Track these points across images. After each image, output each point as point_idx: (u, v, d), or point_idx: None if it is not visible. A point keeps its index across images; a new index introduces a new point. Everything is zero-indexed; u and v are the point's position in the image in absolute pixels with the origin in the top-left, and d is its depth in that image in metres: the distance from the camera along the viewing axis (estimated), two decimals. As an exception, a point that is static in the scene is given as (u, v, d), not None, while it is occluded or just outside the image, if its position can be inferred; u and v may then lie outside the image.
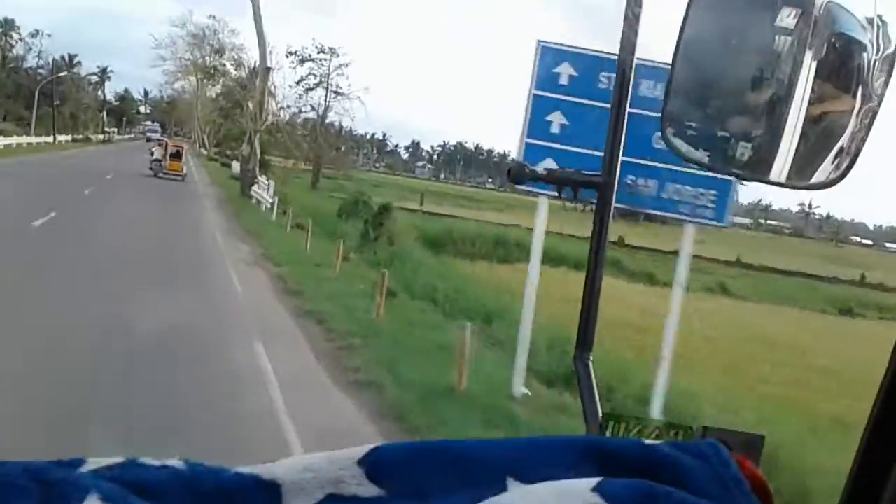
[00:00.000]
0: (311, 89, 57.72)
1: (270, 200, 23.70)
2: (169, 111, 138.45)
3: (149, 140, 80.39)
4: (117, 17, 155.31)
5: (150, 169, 35.23)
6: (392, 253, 20.21)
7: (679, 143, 0.98)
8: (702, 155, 1.00)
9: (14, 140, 42.10)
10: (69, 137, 61.99)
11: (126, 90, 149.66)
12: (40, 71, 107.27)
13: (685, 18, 0.91)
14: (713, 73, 0.97)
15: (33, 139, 47.85)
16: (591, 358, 0.96)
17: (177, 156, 36.87)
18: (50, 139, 52.82)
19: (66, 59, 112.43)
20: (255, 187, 28.97)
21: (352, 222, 27.20)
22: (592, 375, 0.94)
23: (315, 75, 56.91)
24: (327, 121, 58.95)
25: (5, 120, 74.59)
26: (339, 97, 57.77)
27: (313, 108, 57.31)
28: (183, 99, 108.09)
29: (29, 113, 75.41)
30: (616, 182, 1.00)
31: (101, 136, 78.45)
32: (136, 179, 31.89)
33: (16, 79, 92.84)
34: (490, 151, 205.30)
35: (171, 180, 34.25)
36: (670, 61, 0.93)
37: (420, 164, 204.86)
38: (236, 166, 51.55)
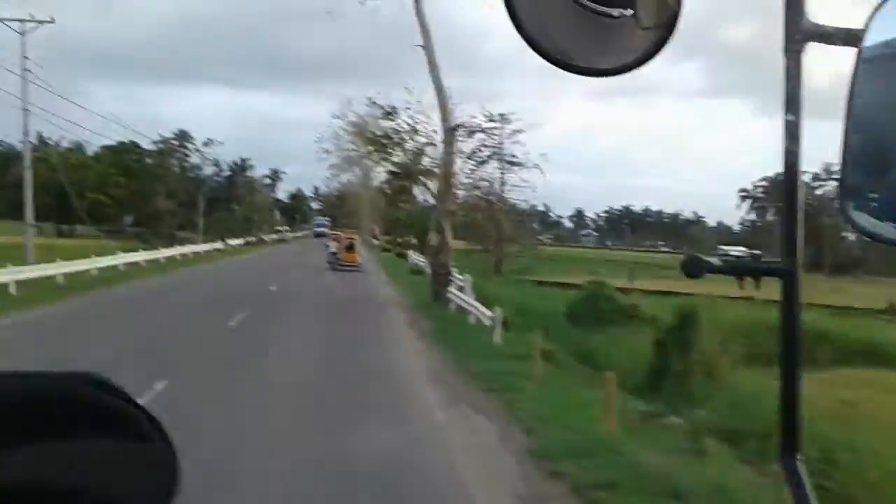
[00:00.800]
0: (484, 162, 51.21)
1: (489, 315, 15.42)
2: (338, 204, 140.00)
3: (317, 236, 77.14)
4: (287, 124, 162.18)
5: (328, 262, 36.39)
6: (721, 399, 11.22)
7: (861, 218, 0.91)
8: (890, 229, 0.90)
9: (177, 251, 37.93)
10: (241, 241, 59.20)
11: (298, 189, 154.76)
12: (216, 178, 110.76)
13: (853, 81, 0.85)
14: (894, 136, 0.90)
15: (200, 247, 44.13)
16: (801, 458, 0.90)
17: (351, 248, 37.62)
18: (220, 245, 49.34)
19: (239, 164, 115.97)
20: (452, 288, 21.14)
21: (597, 330, 18.65)
22: (805, 477, 0.88)
23: (486, 146, 50.50)
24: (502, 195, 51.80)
25: (182, 228, 74.72)
26: (513, 168, 50.72)
27: (489, 183, 50.54)
28: (350, 191, 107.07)
29: (205, 220, 74.76)
30: (800, 268, 0.93)
31: (274, 236, 76.62)
32: (311, 286, 25.52)
33: (189, 187, 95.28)
34: (660, 213, 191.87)
35: (349, 272, 34.05)
36: (842, 128, 0.88)
37: (584, 232, 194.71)
38: (414, 257, 45.22)
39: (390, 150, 22.89)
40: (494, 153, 51.35)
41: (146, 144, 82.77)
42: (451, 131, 22.04)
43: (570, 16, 1.07)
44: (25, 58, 27.39)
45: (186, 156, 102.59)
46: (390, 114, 22.04)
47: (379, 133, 24.06)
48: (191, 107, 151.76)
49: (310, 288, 25.20)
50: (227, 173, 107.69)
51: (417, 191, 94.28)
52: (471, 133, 49.93)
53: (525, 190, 47.31)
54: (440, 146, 23.05)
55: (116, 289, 22.76)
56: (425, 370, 11.93)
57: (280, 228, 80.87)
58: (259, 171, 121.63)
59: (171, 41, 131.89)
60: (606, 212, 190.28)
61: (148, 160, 76.60)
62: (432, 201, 29.25)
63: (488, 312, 15.42)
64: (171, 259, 35.45)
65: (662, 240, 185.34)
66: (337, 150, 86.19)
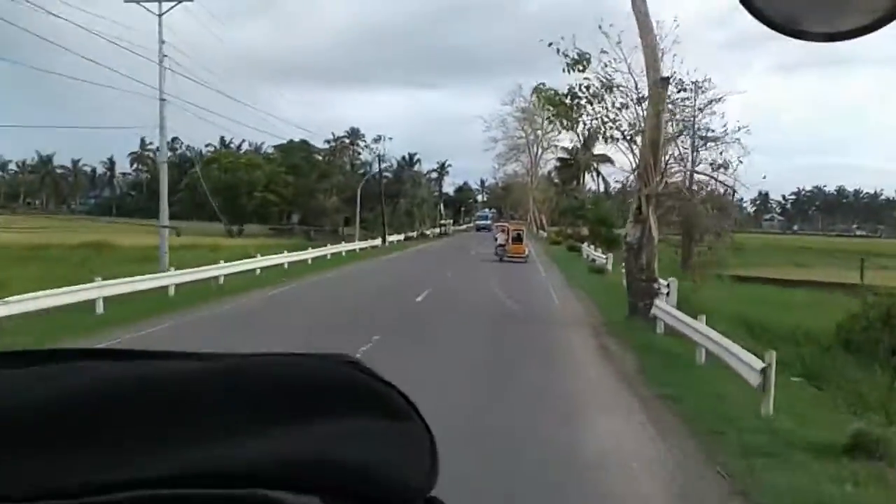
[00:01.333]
0: (674, 138, 43.35)
1: (740, 356, 9.20)
2: (504, 196, 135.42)
3: (478, 230, 72.57)
4: (456, 119, 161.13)
5: (496, 254, 35.67)
6: None
7: None
8: None
9: (328, 250, 34.58)
10: (401, 237, 55.94)
11: (465, 183, 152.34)
12: (386, 174, 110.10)
13: None
14: None
15: (356, 245, 40.90)
16: None
17: (518, 239, 36.87)
18: (377, 242, 46.01)
19: (407, 158, 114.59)
20: (661, 302, 15.02)
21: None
22: None
23: (676, 121, 42.70)
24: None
25: (348, 224, 73.48)
26: (708, 145, 42.57)
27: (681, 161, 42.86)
28: (516, 182, 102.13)
29: (373, 216, 72.92)
30: None
31: (437, 230, 73.22)
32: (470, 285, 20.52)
33: (355, 183, 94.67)
34: (857, 193, 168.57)
35: (516, 262, 33.30)
36: None
37: (768, 217, 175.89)
38: (589, 252, 39.08)
39: (577, 113, 16.56)
40: (685, 127, 43.95)
41: (321, 144, 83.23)
42: (663, 83, 15.87)
43: None
44: (162, 41, 24.69)
45: (357, 153, 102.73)
46: (578, 62, 16.00)
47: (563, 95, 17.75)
48: (367, 108, 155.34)
49: (467, 296, 20.13)
50: (395, 168, 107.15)
51: (589, 178, 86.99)
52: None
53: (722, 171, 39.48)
54: (633, 108, 16.90)
55: (239, 300, 19.06)
56: (655, 484, 6.29)
57: (443, 222, 77.45)
58: (427, 165, 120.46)
59: (348, 48, 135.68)
60: (794, 194, 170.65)
61: (317, 157, 76.13)
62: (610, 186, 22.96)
63: (743, 354, 9.25)
64: (319, 258, 32.04)
65: (858, 223, 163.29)
66: (504, 139, 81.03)
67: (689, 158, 44.90)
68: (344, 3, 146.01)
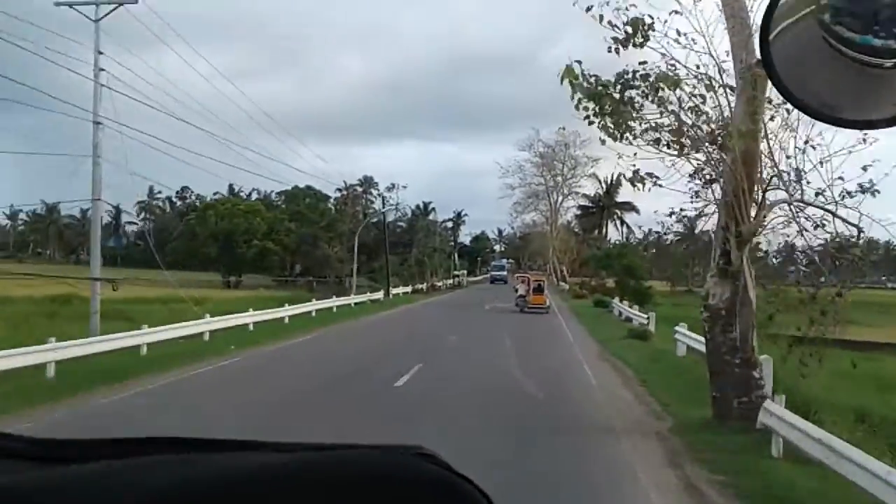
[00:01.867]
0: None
1: None
2: (522, 246, 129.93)
3: (493, 281, 66.79)
4: (473, 172, 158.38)
5: (516, 304, 34.99)
6: None
7: None
8: None
9: (320, 304, 29.22)
10: (408, 289, 50.45)
11: (482, 232, 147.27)
12: (400, 224, 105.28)
13: None
14: None
15: (352, 298, 35.36)
16: None
17: (539, 290, 35.76)
18: (379, 294, 40.43)
19: (422, 207, 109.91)
20: (773, 406, 9.23)
21: None
22: None
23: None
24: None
25: (359, 274, 68.36)
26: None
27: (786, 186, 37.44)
28: (534, 232, 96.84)
29: (380, 266, 67.72)
30: None
31: (449, 281, 67.56)
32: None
33: (366, 232, 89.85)
34: (889, 243, 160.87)
35: (536, 322, 29.31)
36: None
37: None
38: (622, 308, 33.33)
39: (627, 111, 10.47)
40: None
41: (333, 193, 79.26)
42: (759, 65, 10.34)
43: (835, 70, 1.00)
44: (99, 52, 19.90)
45: (371, 202, 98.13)
46: (633, 34, 10.23)
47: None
48: (383, 161, 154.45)
49: (470, 374, 14.49)
50: (409, 217, 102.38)
51: (612, 227, 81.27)
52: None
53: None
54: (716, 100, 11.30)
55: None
56: None
57: (457, 273, 71.82)
58: (443, 216, 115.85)
59: (365, 103, 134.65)
60: (821, 246, 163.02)
61: (325, 205, 71.39)
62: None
63: None
64: (299, 316, 26.60)
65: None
66: (521, 186, 75.93)
67: (792, 183, 38.79)
68: (361, 59, 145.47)
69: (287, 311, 26.02)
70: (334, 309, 31.06)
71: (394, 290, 45.72)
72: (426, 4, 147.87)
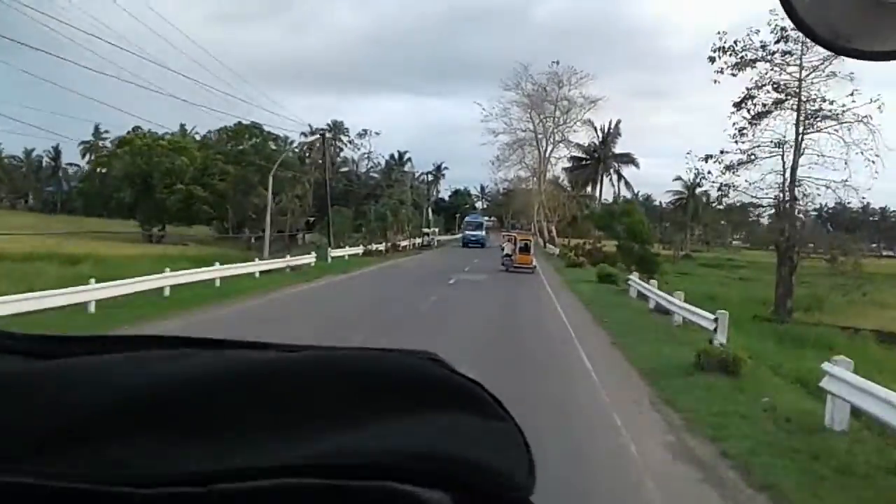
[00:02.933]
0: (767, 114, 27.49)
1: None
2: (505, 203, 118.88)
3: (466, 244, 55.81)
4: (462, 128, 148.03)
5: (502, 264, 33.77)
6: None
7: None
8: None
9: (228, 270, 19.00)
10: (359, 250, 39.71)
11: (464, 189, 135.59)
12: (373, 175, 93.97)
13: None
14: None
15: (258, 265, 24.49)
16: None
17: (525, 249, 34.75)
18: (305, 260, 29.60)
19: (396, 157, 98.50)
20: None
21: None
22: None
23: (771, 86, 26.70)
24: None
25: (311, 229, 57.74)
26: (822, 123, 26.49)
27: (779, 147, 26.78)
28: (519, 189, 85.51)
29: (340, 220, 57.35)
30: None
31: (418, 240, 56.89)
32: None
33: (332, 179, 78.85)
34: (885, 209, 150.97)
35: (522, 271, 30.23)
36: None
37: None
38: (640, 286, 22.99)
39: None
40: (787, 97, 27.51)
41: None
42: None
43: None
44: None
45: (339, 149, 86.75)
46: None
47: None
48: (370, 114, 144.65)
49: None
50: (382, 168, 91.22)
51: (607, 182, 70.26)
52: (740, 65, 26.81)
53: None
54: None
55: None
56: None
57: (426, 231, 61.03)
58: (422, 168, 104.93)
59: (357, 55, 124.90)
60: (815, 210, 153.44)
61: (273, 147, 59.98)
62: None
63: None
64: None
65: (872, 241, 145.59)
66: (506, 132, 64.65)
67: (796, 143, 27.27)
68: (352, 9, 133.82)
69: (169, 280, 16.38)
70: (217, 282, 20.39)
71: (338, 252, 35.03)
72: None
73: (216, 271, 20.36)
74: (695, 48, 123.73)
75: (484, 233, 59.52)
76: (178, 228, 52.02)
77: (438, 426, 0.43)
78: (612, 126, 67.01)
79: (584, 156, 68.04)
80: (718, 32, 26.21)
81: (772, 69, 26.09)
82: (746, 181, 27.61)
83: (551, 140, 62.15)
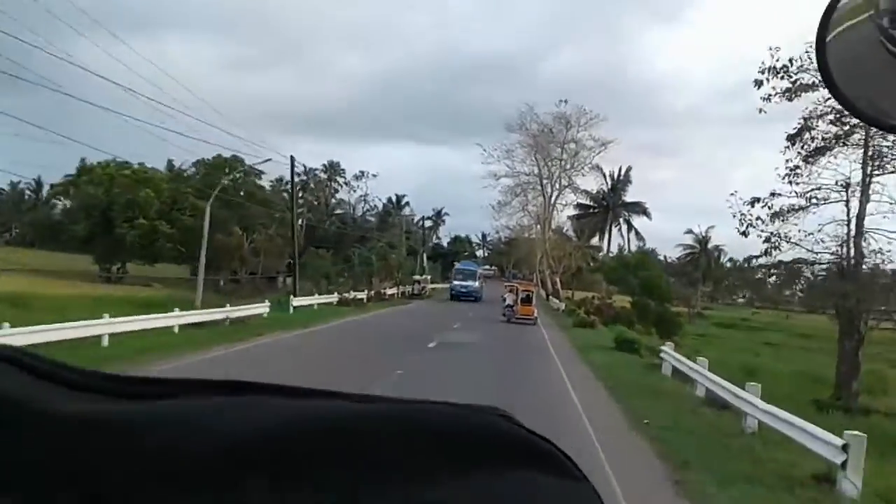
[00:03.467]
0: (826, 149, 22.35)
1: None
2: (507, 252, 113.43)
3: (455, 296, 49.15)
4: (467, 178, 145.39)
5: (503, 315, 32.86)
6: None
7: None
8: None
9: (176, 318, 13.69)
10: (333, 298, 34.12)
11: (466, 236, 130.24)
12: (370, 218, 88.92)
13: None
14: None
15: (179, 317, 18.96)
16: None
17: (527, 300, 33.34)
18: (257, 310, 24.05)
19: (394, 200, 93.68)
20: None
21: None
22: None
23: (834, 115, 21.38)
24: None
25: (292, 271, 52.34)
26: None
27: (842, 190, 21.37)
28: (522, 237, 80.00)
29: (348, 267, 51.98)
30: None
31: (410, 289, 51.24)
32: None
33: (331, 229, 73.81)
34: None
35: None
36: None
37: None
38: (679, 363, 17.08)
39: None
40: (853, 130, 22.04)
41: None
42: None
43: (891, 75, 0.97)
44: None
45: (335, 190, 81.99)
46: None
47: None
48: (375, 161, 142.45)
49: None
50: (379, 212, 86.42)
51: (616, 232, 64.89)
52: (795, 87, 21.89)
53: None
54: None
55: None
56: None
57: (417, 278, 55.49)
58: (423, 214, 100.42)
59: (362, 102, 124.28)
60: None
61: (257, 181, 55.05)
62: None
63: None
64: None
65: None
66: (509, 175, 59.57)
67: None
68: (362, 58, 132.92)
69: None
70: (105, 340, 14.89)
71: (305, 301, 29.56)
72: (428, 8, 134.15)
73: (101, 325, 14.89)
74: (699, 104, 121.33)
75: (478, 283, 50.34)
76: (142, 267, 46.66)
77: (516, 485, 0.42)
78: (623, 173, 62.12)
79: (591, 203, 62.99)
80: (770, 48, 21.20)
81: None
82: (801, 230, 22.27)
83: (557, 185, 57.11)
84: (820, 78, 0.92)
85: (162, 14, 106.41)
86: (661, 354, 17.76)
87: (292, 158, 32.13)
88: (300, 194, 77.59)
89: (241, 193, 53.68)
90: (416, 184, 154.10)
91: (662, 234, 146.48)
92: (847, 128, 21.68)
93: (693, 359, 17.33)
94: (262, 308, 23.69)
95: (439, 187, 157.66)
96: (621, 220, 62.68)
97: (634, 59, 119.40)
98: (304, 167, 78.07)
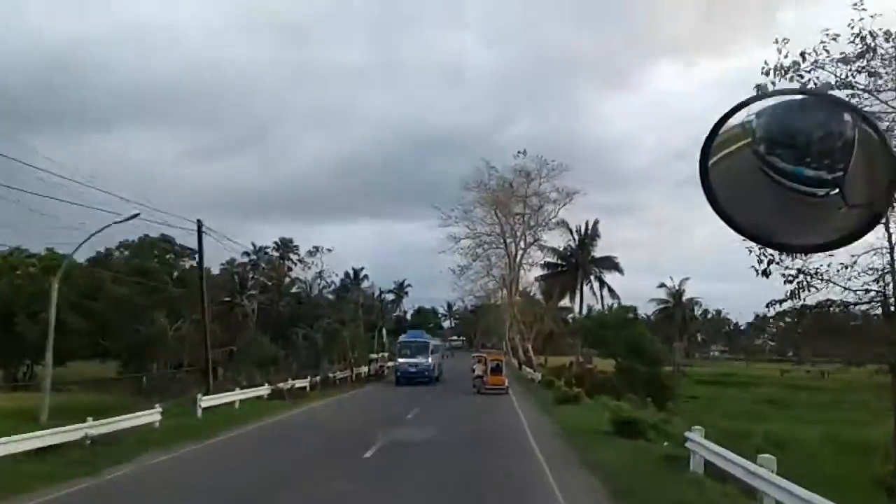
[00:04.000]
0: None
1: None
2: (474, 320, 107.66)
3: (402, 380, 40.50)
4: (427, 251, 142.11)
5: (473, 385, 32.22)
6: None
7: None
8: None
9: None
10: (265, 391, 28.11)
11: (432, 308, 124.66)
12: (328, 295, 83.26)
13: None
14: None
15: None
16: None
17: (497, 370, 32.51)
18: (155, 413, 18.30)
19: (351, 275, 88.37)
20: None
21: None
22: None
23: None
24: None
25: (231, 361, 46.07)
26: None
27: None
28: (488, 304, 74.21)
29: (274, 351, 46.27)
30: None
31: (365, 369, 45.28)
32: None
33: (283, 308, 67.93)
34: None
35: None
36: None
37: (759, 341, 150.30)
38: (714, 454, 11.56)
39: None
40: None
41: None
42: None
43: (771, 197, 1.02)
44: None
45: (289, 268, 76.30)
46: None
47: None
48: (340, 239, 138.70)
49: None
50: (337, 288, 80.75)
51: (587, 290, 60.12)
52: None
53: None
54: None
55: None
56: None
57: (374, 356, 49.73)
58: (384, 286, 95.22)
59: (322, 182, 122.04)
60: (795, 309, 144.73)
61: (186, 262, 49.45)
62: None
63: None
64: None
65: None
66: (470, 237, 54.27)
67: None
68: (319, 140, 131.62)
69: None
70: None
71: (227, 397, 23.76)
72: (387, 89, 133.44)
73: None
74: (654, 162, 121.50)
75: (431, 360, 38.50)
76: (58, 369, 40.11)
77: None
78: (590, 227, 57.99)
79: (559, 262, 58.40)
80: (776, 40, 16.96)
81: (852, 96, 16.73)
82: (830, 264, 17.61)
83: (521, 244, 52.54)
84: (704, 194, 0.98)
85: (123, 108, 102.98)
86: (688, 444, 12.55)
87: (199, 223, 26.75)
88: (251, 275, 71.87)
89: (174, 276, 48.01)
90: (378, 260, 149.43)
91: (631, 292, 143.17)
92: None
93: (712, 436, 12.37)
94: (149, 416, 17.89)
95: (401, 262, 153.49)
96: (592, 277, 57.96)
97: (591, 124, 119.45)
98: (254, 246, 72.58)
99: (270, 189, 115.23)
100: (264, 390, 26.66)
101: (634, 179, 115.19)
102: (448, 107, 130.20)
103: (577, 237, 57.41)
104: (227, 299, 64.80)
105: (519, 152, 49.41)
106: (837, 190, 0.98)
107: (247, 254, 69.80)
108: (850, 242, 0.99)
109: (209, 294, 55.57)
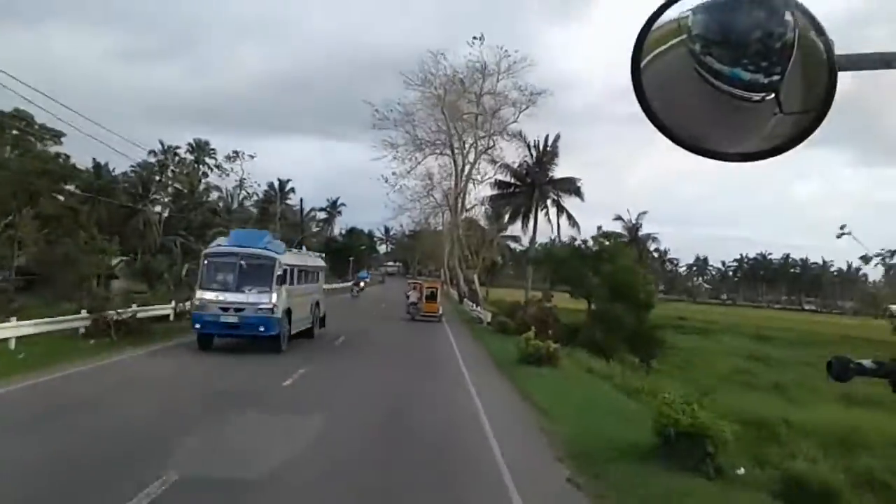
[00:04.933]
0: None
1: None
2: (411, 247, 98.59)
3: (201, 340, 28.07)
4: (372, 173, 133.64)
5: (408, 312, 31.31)
6: None
7: None
8: None
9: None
10: (84, 322, 18.75)
11: (369, 232, 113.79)
12: (252, 209, 72.82)
13: None
14: None
15: None
16: None
17: (432, 297, 31.81)
18: None
19: (277, 185, 77.92)
20: None
21: None
22: None
23: None
24: None
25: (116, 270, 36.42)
26: None
27: None
28: (427, 230, 64.73)
29: (169, 262, 37.79)
30: None
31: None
32: None
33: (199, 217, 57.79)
34: (805, 261, 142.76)
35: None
36: None
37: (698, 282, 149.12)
38: None
39: None
40: None
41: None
42: None
43: (704, 100, 0.98)
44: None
45: (204, 173, 65.06)
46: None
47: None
48: (277, 157, 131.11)
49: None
50: (260, 200, 70.32)
51: (543, 218, 51.63)
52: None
53: None
54: None
55: None
56: None
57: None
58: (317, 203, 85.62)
59: (264, 96, 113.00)
60: (736, 261, 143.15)
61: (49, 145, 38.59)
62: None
63: None
64: None
65: (809, 296, 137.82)
66: (409, 143, 43.50)
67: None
68: (260, 51, 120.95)
69: None
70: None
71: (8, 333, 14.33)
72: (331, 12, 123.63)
73: None
74: (599, 103, 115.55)
75: (272, 299, 17.34)
76: None
77: None
78: (550, 143, 49.18)
79: (513, 180, 49.61)
80: None
81: None
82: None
83: (470, 155, 43.22)
84: (637, 101, 0.92)
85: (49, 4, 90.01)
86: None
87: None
88: (158, 178, 61.20)
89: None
90: (319, 182, 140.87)
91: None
92: None
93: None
94: None
95: (343, 184, 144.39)
96: (549, 201, 49.52)
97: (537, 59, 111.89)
98: (162, 145, 61.57)
99: (205, 99, 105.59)
100: (81, 321, 17.27)
101: (577, 117, 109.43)
102: (392, 30, 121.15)
103: (534, 154, 48.54)
104: (129, 205, 55.52)
105: (475, 38, 39.67)
106: (773, 95, 0.93)
107: (153, 153, 58.97)
108: (781, 152, 0.93)
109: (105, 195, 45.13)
